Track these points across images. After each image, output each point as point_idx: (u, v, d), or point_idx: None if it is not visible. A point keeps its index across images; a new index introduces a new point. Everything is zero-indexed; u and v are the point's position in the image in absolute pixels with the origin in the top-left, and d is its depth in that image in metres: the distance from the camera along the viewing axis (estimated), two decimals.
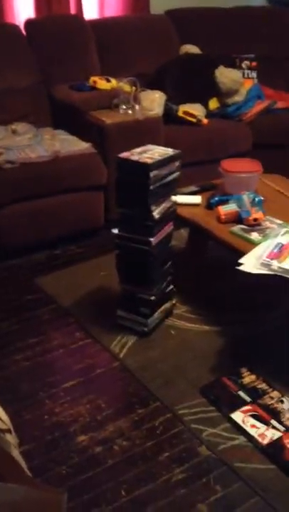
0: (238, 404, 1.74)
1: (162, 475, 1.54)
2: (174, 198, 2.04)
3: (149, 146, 1.96)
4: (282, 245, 1.80)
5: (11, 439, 1.27)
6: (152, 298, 2.00)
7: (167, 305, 2.16)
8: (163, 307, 2.13)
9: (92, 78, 2.96)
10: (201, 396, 1.79)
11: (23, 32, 3.12)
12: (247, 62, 3.50)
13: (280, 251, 1.77)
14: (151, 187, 1.82)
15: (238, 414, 1.70)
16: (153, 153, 1.89)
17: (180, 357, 1.98)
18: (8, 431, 1.27)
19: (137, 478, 1.53)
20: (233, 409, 1.72)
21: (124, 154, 1.87)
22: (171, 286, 2.17)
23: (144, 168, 1.80)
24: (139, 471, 1.55)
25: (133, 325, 2.07)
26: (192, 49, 3.42)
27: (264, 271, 1.70)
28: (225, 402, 1.75)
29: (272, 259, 1.73)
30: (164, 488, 1.50)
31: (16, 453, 1.25)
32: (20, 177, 2.52)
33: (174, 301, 2.21)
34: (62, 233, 2.73)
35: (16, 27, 3.11)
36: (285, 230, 1.92)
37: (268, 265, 1.71)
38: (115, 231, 1.96)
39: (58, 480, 1.50)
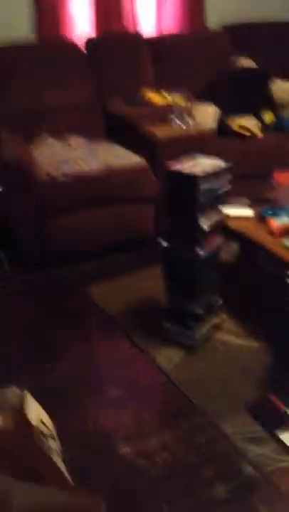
0: (287, 424, 1.67)
1: (204, 491, 1.50)
2: (225, 210, 2.02)
3: (199, 157, 1.95)
4: None
5: (54, 444, 1.29)
6: (199, 310, 1.98)
7: (215, 319, 2.13)
8: (210, 321, 2.10)
9: (147, 94, 3.01)
10: (248, 413, 1.74)
11: (82, 49, 3.23)
12: None
13: None
14: (201, 199, 1.81)
15: (288, 435, 1.63)
16: (203, 165, 1.88)
17: (227, 372, 1.94)
18: (52, 436, 1.29)
19: (179, 492, 1.50)
20: (283, 430, 1.66)
21: (174, 164, 1.87)
22: (219, 300, 2.13)
23: (193, 180, 1.79)
24: (180, 485, 1.52)
25: (179, 337, 2.05)
26: (246, 62, 3.41)
27: None
28: (273, 422, 1.69)
29: None
30: (205, 504, 1.46)
31: (58, 459, 1.26)
32: (74, 189, 2.59)
33: (222, 316, 2.18)
34: (113, 243, 2.76)
35: (75, 45, 3.22)
36: None
37: None
38: (163, 241, 1.96)
39: (99, 489, 1.50)
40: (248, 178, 2.79)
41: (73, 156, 2.74)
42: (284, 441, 1.62)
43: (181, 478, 1.54)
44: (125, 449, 1.64)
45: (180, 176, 1.83)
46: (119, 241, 2.77)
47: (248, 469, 1.56)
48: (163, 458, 1.61)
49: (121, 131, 3.00)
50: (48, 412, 1.41)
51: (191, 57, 3.39)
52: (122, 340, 2.15)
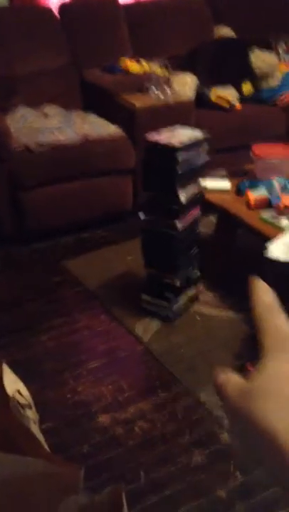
0: None
1: (182, 458, 1.54)
2: (202, 182, 2.01)
3: (177, 128, 1.93)
4: None
5: (31, 414, 1.29)
6: (177, 283, 1.99)
7: (193, 291, 2.14)
8: (188, 293, 2.11)
9: (124, 61, 2.94)
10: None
11: (57, 15, 3.12)
12: (283, 46, 3.40)
13: None
14: (179, 170, 1.80)
15: None
16: (182, 135, 1.86)
17: (204, 343, 1.97)
18: (29, 406, 1.29)
19: (157, 460, 1.53)
20: None
21: (152, 135, 1.85)
22: (198, 272, 2.15)
23: (171, 150, 1.77)
24: (158, 453, 1.55)
25: (158, 309, 2.07)
26: (226, 31, 3.35)
27: None
28: None
29: None
30: (183, 471, 1.50)
31: (35, 428, 1.27)
32: (50, 160, 2.53)
33: (200, 288, 2.19)
34: (91, 217, 2.73)
35: (49, 10, 3.10)
36: None
37: None
38: (141, 214, 1.95)
39: (78, 458, 1.52)
40: (226, 150, 2.79)
41: (49, 125, 2.68)
42: None
43: (158, 446, 1.57)
44: (103, 419, 1.66)
45: (158, 146, 1.80)
46: (98, 214, 2.74)
47: (224, 436, 1.60)
48: (141, 426, 1.64)
49: (98, 100, 2.94)
50: (26, 384, 1.41)
51: (170, 25, 3.31)
52: (100, 313, 2.15)
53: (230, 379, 0.30)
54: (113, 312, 2.15)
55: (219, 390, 0.30)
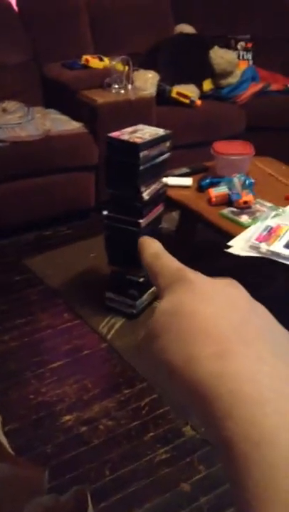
0: None
1: (146, 455, 1.55)
2: (164, 179, 2.02)
3: (140, 126, 1.93)
4: (272, 228, 1.79)
5: None
6: (141, 280, 2.00)
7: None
8: (152, 289, 2.12)
9: (85, 57, 2.91)
10: None
11: (15, 8, 3.05)
12: (242, 44, 3.45)
13: (269, 234, 1.76)
14: (141, 167, 1.80)
15: None
16: (144, 133, 1.86)
17: None
18: None
19: (121, 457, 1.54)
20: None
21: (115, 134, 1.85)
22: None
23: (133, 147, 1.77)
24: (123, 450, 1.56)
25: (121, 307, 2.07)
26: (187, 29, 3.37)
27: (253, 253, 1.70)
28: None
29: (261, 241, 1.72)
30: (147, 467, 1.51)
31: None
32: (10, 156, 2.48)
33: None
34: (52, 214, 2.70)
35: (7, 3, 3.03)
36: (274, 212, 1.91)
37: (256, 248, 1.70)
38: (105, 212, 1.94)
39: (42, 459, 1.51)
40: (186, 147, 2.81)
41: (8, 121, 2.62)
42: None
43: (123, 444, 1.58)
44: (67, 418, 1.66)
45: (120, 143, 1.80)
46: (60, 211, 2.72)
47: (188, 429, 1.62)
48: (105, 424, 1.64)
49: (59, 96, 2.90)
50: None
51: (131, 22, 3.30)
52: (63, 312, 2.14)
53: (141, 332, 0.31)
54: (76, 310, 2.13)
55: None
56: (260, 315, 0.26)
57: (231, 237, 1.81)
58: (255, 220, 1.90)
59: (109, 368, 1.88)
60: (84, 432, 1.61)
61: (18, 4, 3.06)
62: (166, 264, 0.30)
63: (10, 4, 3.03)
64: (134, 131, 1.88)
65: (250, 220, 1.91)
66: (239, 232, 1.83)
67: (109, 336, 1.98)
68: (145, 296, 2.09)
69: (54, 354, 1.93)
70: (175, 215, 2.50)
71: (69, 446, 1.56)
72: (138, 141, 1.79)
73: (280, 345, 0.24)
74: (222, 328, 0.24)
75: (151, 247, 0.32)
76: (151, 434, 1.61)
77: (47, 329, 2.05)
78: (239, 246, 1.73)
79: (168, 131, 1.92)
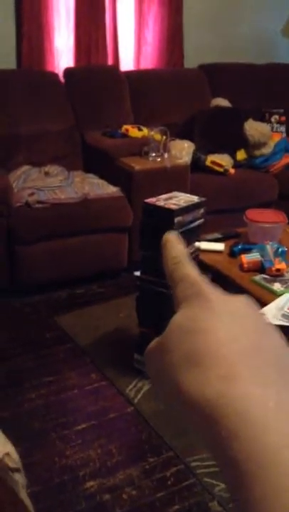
0: None
1: None
2: (197, 244, 2.05)
3: (175, 193, 2.00)
4: None
5: (20, 478, 1.25)
6: None
7: None
8: None
9: (125, 126, 3.07)
10: None
11: (62, 79, 3.28)
12: (276, 117, 3.58)
13: None
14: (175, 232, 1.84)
15: None
16: (179, 199, 1.92)
17: None
18: (18, 470, 1.25)
19: None
20: None
21: (151, 200, 1.91)
22: None
23: (169, 213, 1.83)
24: None
25: None
26: (223, 102, 3.53)
27: (285, 323, 1.68)
28: None
29: None
30: None
31: (23, 494, 1.23)
32: (49, 217, 2.59)
33: None
34: (86, 273, 2.76)
35: (55, 75, 3.27)
36: None
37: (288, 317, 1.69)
38: (138, 273, 1.98)
39: None
40: (220, 213, 2.87)
41: (50, 183, 2.76)
42: None
43: None
44: (90, 484, 1.61)
45: (156, 208, 1.86)
46: (92, 270, 2.77)
47: (214, 505, 1.55)
48: (129, 493, 1.59)
49: (98, 162, 3.04)
50: (13, 445, 1.38)
51: (169, 93, 3.49)
52: (91, 372, 2.13)
53: (152, 341, 0.30)
54: (104, 371, 2.12)
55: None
56: (271, 338, 0.27)
57: (263, 304, 1.80)
58: (287, 288, 1.89)
59: (135, 433, 1.84)
60: (107, 500, 1.56)
61: (64, 76, 3.29)
62: (187, 274, 0.30)
63: (57, 75, 3.27)
64: (170, 198, 1.94)
65: (282, 289, 1.90)
66: (271, 300, 1.82)
67: (136, 400, 1.95)
68: None
69: (80, 415, 1.91)
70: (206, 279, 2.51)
71: None
72: (173, 207, 1.85)
73: (286, 368, 0.25)
74: (233, 352, 0.25)
75: (176, 250, 0.32)
76: (177, 507, 1.55)
77: (74, 389, 2.04)
78: (271, 314, 1.72)
79: (202, 199, 1.98)
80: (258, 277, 2.00)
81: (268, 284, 1.95)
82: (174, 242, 0.32)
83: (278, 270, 2.00)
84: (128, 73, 3.47)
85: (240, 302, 0.29)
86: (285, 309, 1.72)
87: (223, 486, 1.60)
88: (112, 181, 2.85)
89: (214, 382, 0.24)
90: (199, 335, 0.26)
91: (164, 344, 0.28)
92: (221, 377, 0.24)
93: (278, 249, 2.06)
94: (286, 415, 0.23)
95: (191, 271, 0.31)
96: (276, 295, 1.86)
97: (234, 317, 0.27)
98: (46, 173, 2.87)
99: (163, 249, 0.32)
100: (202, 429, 0.24)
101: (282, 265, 2.01)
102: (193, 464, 1.68)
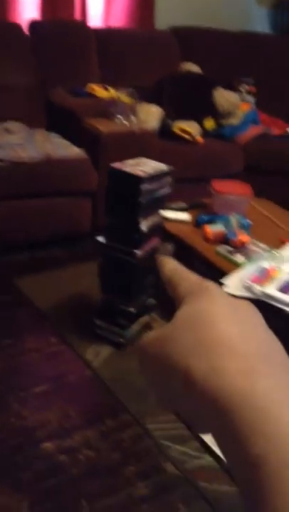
0: None
1: (125, 489, 1.52)
2: (162, 212, 2.05)
3: (143, 160, 1.97)
4: (265, 270, 1.82)
5: None
6: (132, 310, 2.00)
7: (146, 318, 2.16)
8: (142, 320, 2.12)
9: (91, 85, 2.97)
10: (172, 412, 1.78)
11: (26, 32, 3.12)
12: (245, 86, 3.56)
13: (262, 275, 1.79)
14: (142, 200, 1.83)
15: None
16: (146, 166, 1.90)
17: None
18: None
19: (100, 490, 1.51)
20: None
21: (117, 164, 1.88)
22: (152, 300, 2.17)
23: (135, 180, 1.80)
24: (102, 482, 1.53)
25: (110, 335, 2.06)
26: (193, 67, 3.47)
27: (246, 294, 1.72)
28: None
29: (254, 282, 1.74)
30: (126, 502, 1.48)
31: None
32: (9, 175, 2.50)
33: (154, 315, 2.21)
34: (48, 236, 2.71)
35: (18, 26, 3.11)
36: (269, 254, 1.94)
37: (250, 289, 1.72)
38: (101, 239, 1.96)
39: (21, 485, 1.48)
40: (186, 182, 2.85)
41: (10, 140, 2.65)
42: (204, 439, 1.68)
43: (102, 476, 1.55)
44: (48, 446, 1.63)
45: (123, 175, 1.83)
46: (55, 234, 2.73)
47: (169, 467, 1.60)
48: (86, 455, 1.61)
49: (62, 121, 2.95)
50: None
51: (138, 54, 3.39)
52: (50, 336, 2.12)
53: (148, 334, 0.30)
54: (64, 335, 2.12)
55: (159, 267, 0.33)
56: (276, 342, 0.27)
57: (225, 274, 1.83)
58: (249, 260, 1.93)
59: (93, 396, 1.86)
60: (63, 460, 1.59)
61: (29, 29, 3.13)
62: (186, 276, 0.31)
63: (21, 28, 3.10)
64: (137, 164, 1.91)
65: (244, 260, 1.93)
66: (233, 271, 1.85)
67: (95, 364, 1.97)
68: (134, 327, 2.08)
69: (38, 378, 1.91)
70: (171, 248, 2.52)
71: (47, 474, 1.53)
72: (141, 174, 1.82)
73: None
74: (248, 347, 0.25)
75: (170, 263, 0.34)
76: (132, 467, 1.59)
77: (32, 352, 2.03)
78: (233, 285, 1.75)
79: (170, 167, 1.96)
80: (222, 248, 2.03)
81: (230, 256, 1.97)
82: (167, 259, 0.34)
83: (241, 242, 2.03)
84: (96, 30, 3.34)
85: (244, 303, 0.29)
86: (246, 280, 1.75)
87: (178, 448, 1.66)
88: (76, 142, 2.78)
89: (231, 375, 0.24)
90: (207, 325, 0.26)
91: (167, 335, 0.27)
92: (237, 370, 0.24)
93: (242, 221, 2.09)
94: None
95: (190, 273, 0.32)
96: (238, 266, 1.89)
97: (240, 315, 0.27)
98: (6, 130, 2.75)
99: (159, 268, 0.34)
100: (213, 420, 0.24)
101: (245, 237, 2.04)
102: (150, 426, 1.72)
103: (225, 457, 0.24)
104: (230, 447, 0.23)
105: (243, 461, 0.22)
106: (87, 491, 1.50)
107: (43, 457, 1.59)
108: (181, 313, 0.28)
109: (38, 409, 1.76)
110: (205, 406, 0.24)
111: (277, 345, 0.27)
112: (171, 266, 0.33)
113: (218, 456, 1.62)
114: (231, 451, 0.23)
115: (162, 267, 0.33)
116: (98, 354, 2.02)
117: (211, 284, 0.29)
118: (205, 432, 0.26)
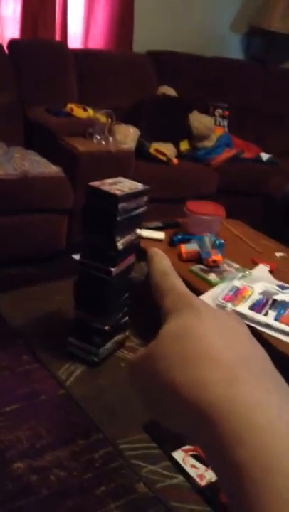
0: (180, 443, 1.74)
1: (97, 509, 1.50)
2: (138, 231, 2.07)
3: (120, 179, 2.00)
4: (238, 289, 1.85)
5: None
6: (106, 328, 2.00)
7: (120, 336, 2.16)
8: (116, 338, 2.12)
9: (70, 105, 3.01)
10: (145, 432, 1.78)
11: (6, 51, 3.15)
12: (220, 111, 3.66)
13: (235, 294, 1.82)
14: (118, 218, 1.85)
15: (179, 453, 1.70)
16: (123, 185, 1.92)
17: (127, 390, 1.96)
18: None
19: (71, 510, 1.49)
20: (175, 448, 1.72)
21: (95, 183, 1.90)
22: (127, 318, 2.17)
23: (113, 198, 1.83)
24: (73, 503, 1.51)
25: (83, 354, 2.05)
26: (169, 91, 3.55)
27: None
28: (167, 440, 1.75)
29: (227, 301, 1.77)
30: None
31: None
32: None
33: (127, 333, 2.21)
34: (23, 253, 2.70)
35: None
36: (241, 274, 1.98)
37: (223, 307, 1.75)
38: (76, 257, 1.96)
39: None
40: (162, 202, 2.90)
41: None
42: (176, 458, 1.68)
43: (73, 496, 1.53)
44: (18, 465, 1.60)
45: (101, 193, 1.85)
46: (29, 251, 2.71)
47: (141, 486, 1.59)
48: (56, 474, 1.59)
49: (40, 139, 2.96)
50: None
51: (116, 76, 3.45)
52: (23, 354, 2.10)
53: (136, 353, 0.30)
54: (36, 353, 2.10)
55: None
56: (261, 350, 0.28)
57: (199, 293, 1.86)
58: (222, 279, 1.96)
59: (65, 415, 1.84)
60: (34, 480, 1.56)
61: (8, 46, 3.16)
62: (175, 287, 0.31)
63: (1, 47, 3.13)
64: (115, 183, 1.94)
65: (217, 279, 1.97)
66: (207, 290, 1.88)
67: (68, 383, 1.95)
68: (108, 345, 2.08)
69: (9, 397, 1.88)
70: (145, 265, 2.54)
71: (18, 494, 1.50)
72: (118, 193, 1.84)
73: (280, 382, 0.26)
74: (231, 357, 0.25)
75: (161, 264, 0.32)
76: (103, 488, 1.58)
77: (4, 370, 2.00)
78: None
79: (146, 187, 1.99)
80: (196, 267, 2.06)
81: (204, 275, 2.01)
82: (160, 257, 0.33)
83: (215, 261, 2.07)
84: (76, 51, 3.40)
85: (229, 315, 0.29)
86: (219, 299, 1.78)
87: (150, 467, 1.65)
88: (54, 160, 2.79)
89: (214, 385, 0.24)
90: (194, 340, 0.26)
91: (154, 352, 0.28)
92: (221, 380, 0.24)
93: (216, 241, 2.13)
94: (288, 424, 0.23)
95: (179, 283, 0.31)
96: (212, 285, 1.92)
97: (225, 327, 0.28)
98: None
99: (149, 262, 0.33)
100: (200, 431, 0.24)
101: (219, 257, 2.08)
102: (122, 446, 1.72)
103: (212, 469, 0.24)
104: (215, 457, 0.23)
105: (227, 470, 0.22)
106: (58, 511, 1.47)
107: (14, 477, 1.56)
108: (168, 329, 0.28)
109: (10, 429, 1.73)
110: (191, 418, 0.24)
111: (260, 352, 0.27)
112: (161, 267, 0.32)
113: (190, 476, 1.62)
114: (216, 461, 0.23)
115: (152, 266, 0.32)
116: (71, 373, 2.00)
117: (197, 300, 0.30)
118: (198, 444, 0.26)
